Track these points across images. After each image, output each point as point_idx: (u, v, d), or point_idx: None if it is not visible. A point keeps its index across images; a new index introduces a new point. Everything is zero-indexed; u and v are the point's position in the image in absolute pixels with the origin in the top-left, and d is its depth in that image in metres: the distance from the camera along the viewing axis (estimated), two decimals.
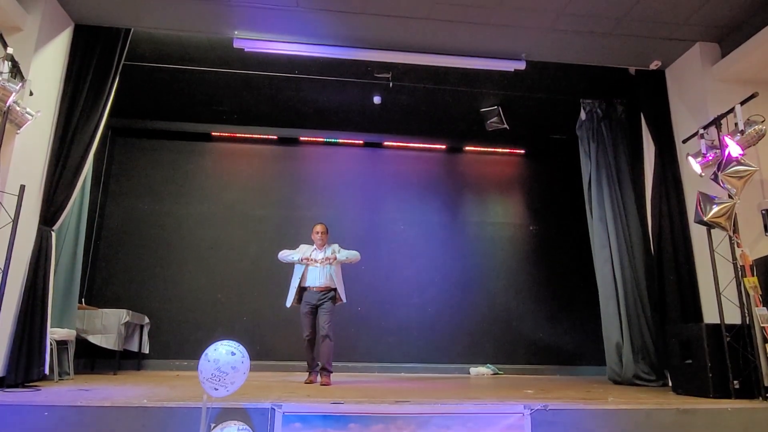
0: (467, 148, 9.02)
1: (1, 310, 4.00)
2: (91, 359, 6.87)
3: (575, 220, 8.10)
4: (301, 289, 5.52)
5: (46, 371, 4.64)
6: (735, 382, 4.21)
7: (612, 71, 6.23)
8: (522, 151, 9.14)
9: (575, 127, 7.09)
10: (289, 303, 5.50)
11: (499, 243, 8.68)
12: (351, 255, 5.59)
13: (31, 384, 4.46)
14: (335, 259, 5.48)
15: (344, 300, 5.54)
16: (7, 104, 4.06)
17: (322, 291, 5.44)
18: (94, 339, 6.10)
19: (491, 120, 7.52)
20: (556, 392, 4.52)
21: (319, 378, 5.32)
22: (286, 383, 5.27)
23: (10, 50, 4.28)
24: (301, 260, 5.51)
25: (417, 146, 8.90)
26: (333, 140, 8.74)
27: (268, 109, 7.79)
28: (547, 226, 8.82)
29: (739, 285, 4.49)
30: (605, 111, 6.85)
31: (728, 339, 4.32)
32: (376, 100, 7.37)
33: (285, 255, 5.62)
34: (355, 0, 5.04)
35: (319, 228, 5.62)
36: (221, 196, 8.27)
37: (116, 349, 6.15)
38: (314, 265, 5.47)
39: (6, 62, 4.19)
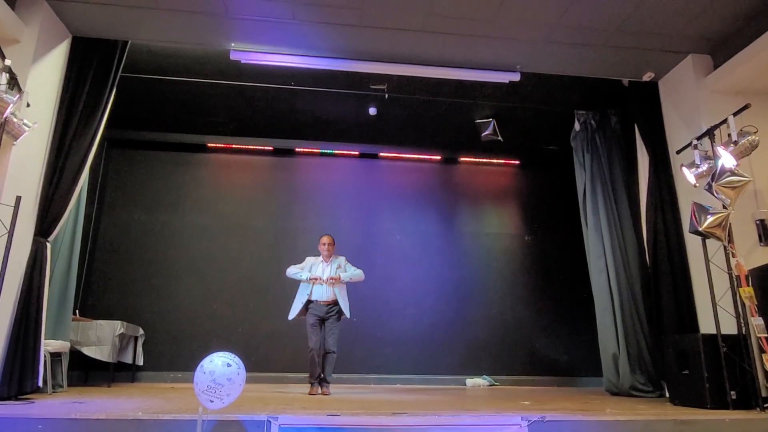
0: (462, 158, 9.06)
1: None
2: (84, 371, 6.81)
3: (570, 230, 8.15)
4: (308, 302, 5.57)
5: (40, 383, 4.59)
6: (732, 392, 4.21)
7: (606, 83, 6.29)
8: (517, 162, 9.19)
9: (569, 138, 7.14)
10: (291, 316, 5.50)
11: (495, 253, 8.69)
12: (354, 275, 5.62)
13: (24, 396, 4.41)
14: (339, 279, 5.49)
15: (348, 316, 5.56)
16: (4, 116, 4.07)
17: (329, 304, 5.52)
18: (88, 351, 6.06)
19: (486, 132, 7.56)
20: (553, 403, 4.50)
21: (319, 389, 5.39)
22: (282, 395, 5.23)
23: (7, 62, 4.30)
24: (309, 280, 5.53)
25: (412, 157, 8.95)
26: (329, 151, 8.77)
27: (264, 120, 7.81)
28: (543, 237, 8.84)
29: (734, 295, 4.51)
30: (599, 122, 6.91)
31: (725, 349, 4.32)
32: (372, 111, 7.41)
33: (293, 273, 5.62)
34: (351, 12, 5.08)
35: (325, 240, 5.67)
36: (217, 207, 8.26)
37: (110, 361, 6.11)
38: (321, 283, 5.50)
39: (3, 74, 4.20)
